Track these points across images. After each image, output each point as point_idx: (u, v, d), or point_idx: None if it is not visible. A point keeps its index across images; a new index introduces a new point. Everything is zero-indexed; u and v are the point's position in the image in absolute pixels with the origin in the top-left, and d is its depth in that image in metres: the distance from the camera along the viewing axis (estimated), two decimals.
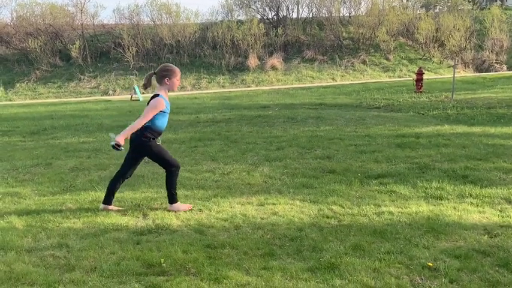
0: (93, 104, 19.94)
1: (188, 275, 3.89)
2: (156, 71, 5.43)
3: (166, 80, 5.35)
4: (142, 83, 5.77)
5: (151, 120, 5.30)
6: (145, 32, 30.19)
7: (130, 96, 21.77)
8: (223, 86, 27.30)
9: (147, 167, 7.53)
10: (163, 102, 5.28)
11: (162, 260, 4.09)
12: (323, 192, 6.04)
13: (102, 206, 5.52)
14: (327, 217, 5.18)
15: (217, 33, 30.03)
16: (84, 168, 7.63)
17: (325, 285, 3.70)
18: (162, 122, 5.39)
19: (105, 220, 5.13)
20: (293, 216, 5.21)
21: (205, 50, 30.08)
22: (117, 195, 6.09)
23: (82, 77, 27.46)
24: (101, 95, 25.41)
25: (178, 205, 5.46)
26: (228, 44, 29.78)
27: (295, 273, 3.89)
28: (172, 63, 24.06)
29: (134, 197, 5.99)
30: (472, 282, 3.70)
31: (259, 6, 33.92)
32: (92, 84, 27.12)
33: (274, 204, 5.63)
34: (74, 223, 5.10)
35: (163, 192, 6.09)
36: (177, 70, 5.48)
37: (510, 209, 5.27)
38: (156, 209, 5.49)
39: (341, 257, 4.15)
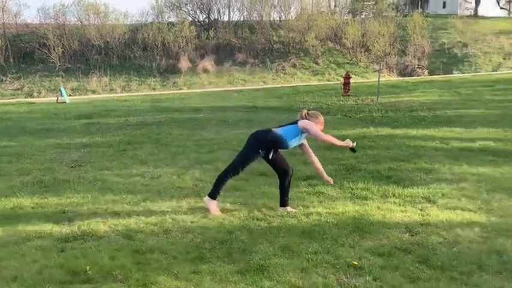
0: (15, 106, 19.10)
1: (115, 281, 3.81)
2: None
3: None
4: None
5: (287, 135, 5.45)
6: (72, 33, 29.31)
7: (56, 98, 21.03)
8: (154, 89, 26.95)
9: (73, 172, 7.31)
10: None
11: (88, 268, 3.98)
12: (253, 194, 6.10)
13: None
14: (257, 219, 5.23)
15: (148, 35, 29.65)
16: (5, 173, 7.30)
17: (254, 287, 3.73)
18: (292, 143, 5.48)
19: (27, 227, 4.93)
20: (223, 219, 5.22)
21: (135, 52, 29.60)
22: (39, 200, 5.89)
23: (4, 78, 26.27)
24: (25, 97, 24.40)
25: (213, 205, 5.46)
26: (159, 46, 29.43)
27: (224, 276, 3.90)
28: (100, 64, 23.45)
29: (59, 202, 5.79)
30: (394, 279, 3.84)
31: (190, 8, 33.83)
32: (15, 86, 26.00)
33: (204, 207, 5.61)
34: None
35: (90, 198, 5.95)
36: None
37: (430, 208, 5.53)
38: (82, 215, 5.33)
39: (270, 259, 4.20)
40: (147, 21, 32.45)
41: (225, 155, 8.26)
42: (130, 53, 29.62)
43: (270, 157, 5.51)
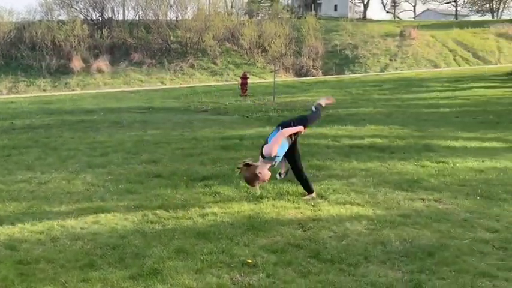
0: None
1: None
2: None
3: None
4: None
5: None
6: None
7: None
8: (44, 90, 25.64)
9: None
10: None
11: None
12: (148, 197, 5.97)
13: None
14: (151, 222, 5.13)
15: (36, 34, 28.12)
16: None
17: None
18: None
19: None
20: (116, 224, 5.06)
21: (22, 51, 27.96)
22: None
23: None
24: None
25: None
26: (49, 45, 28.04)
27: (116, 282, 3.78)
28: None
29: None
30: (286, 275, 3.93)
31: (82, 6, 32.57)
32: None
33: (96, 212, 5.41)
34: None
35: None
36: None
37: (321, 203, 5.72)
38: None
39: (164, 262, 4.13)
40: (35, 19, 30.79)
41: (119, 158, 8.04)
42: (17, 52, 27.95)
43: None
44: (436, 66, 33.18)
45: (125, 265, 4.10)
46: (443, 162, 7.59)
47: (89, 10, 32.71)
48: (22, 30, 28.87)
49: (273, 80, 19.84)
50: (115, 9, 33.18)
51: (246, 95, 18.86)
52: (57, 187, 6.37)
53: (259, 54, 32.52)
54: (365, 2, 55.47)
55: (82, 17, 32.09)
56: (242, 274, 3.95)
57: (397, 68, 32.95)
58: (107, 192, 6.17)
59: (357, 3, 61.06)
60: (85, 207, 5.59)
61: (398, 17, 66.85)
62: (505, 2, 53.14)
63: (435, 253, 4.28)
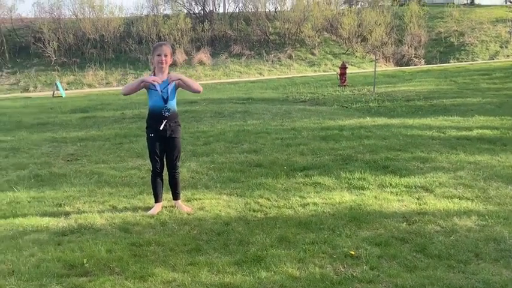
0: (11, 101, 19.01)
1: (112, 274, 3.81)
2: None
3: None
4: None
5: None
6: (67, 26, 29.13)
7: (52, 92, 20.94)
8: None
9: (69, 165, 7.28)
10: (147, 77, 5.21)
11: (85, 260, 3.97)
12: (250, 185, 6.08)
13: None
14: (254, 210, 5.22)
15: (143, 28, 29.48)
16: (1, 168, 7.27)
17: (251, 278, 3.73)
18: (150, 102, 5.28)
19: (24, 222, 4.92)
20: (220, 211, 5.21)
21: (130, 45, 29.45)
22: (36, 194, 5.90)
23: (0, 73, 26.16)
24: (21, 92, 24.26)
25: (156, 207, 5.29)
26: (154, 38, 29.27)
27: (221, 267, 3.90)
28: (96, 58, 23.05)
29: (56, 196, 5.77)
30: (391, 268, 3.84)
31: (185, 0, 33.59)
32: (11, 81, 25.85)
33: (201, 199, 5.61)
34: None
35: (87, 191, 5.94)
36: (156, 46, 5.29)
37: (427, 197, 5.52)
38: (79, 208, 5.32)
39: (267, 249, 4.20)
40: (142, 14, 32.30)
41: (221, 147, 8.26)
42: (125, 46, 29.48)
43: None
44: None
45: (230, 251, 4.22)
46: None
47: (191, 4, 33.74)
48: (130, 25, 30.38)
49: (372, 69, 19.38)
50: (216, 2, 33.99)
51: (345, 85, 18.59)
52: (164, 174, 6.64)
53: (359, 43, 31.86)
54: None
55: (185, 10, 33.19)
56: (345, 266, 3.92)
57: (508, 56, 30.91)
58: (210, 180, 6.37)
59: None
60: (190, 193, 5.82)
61: (510, 1, 62.50)
62: None
63: None
